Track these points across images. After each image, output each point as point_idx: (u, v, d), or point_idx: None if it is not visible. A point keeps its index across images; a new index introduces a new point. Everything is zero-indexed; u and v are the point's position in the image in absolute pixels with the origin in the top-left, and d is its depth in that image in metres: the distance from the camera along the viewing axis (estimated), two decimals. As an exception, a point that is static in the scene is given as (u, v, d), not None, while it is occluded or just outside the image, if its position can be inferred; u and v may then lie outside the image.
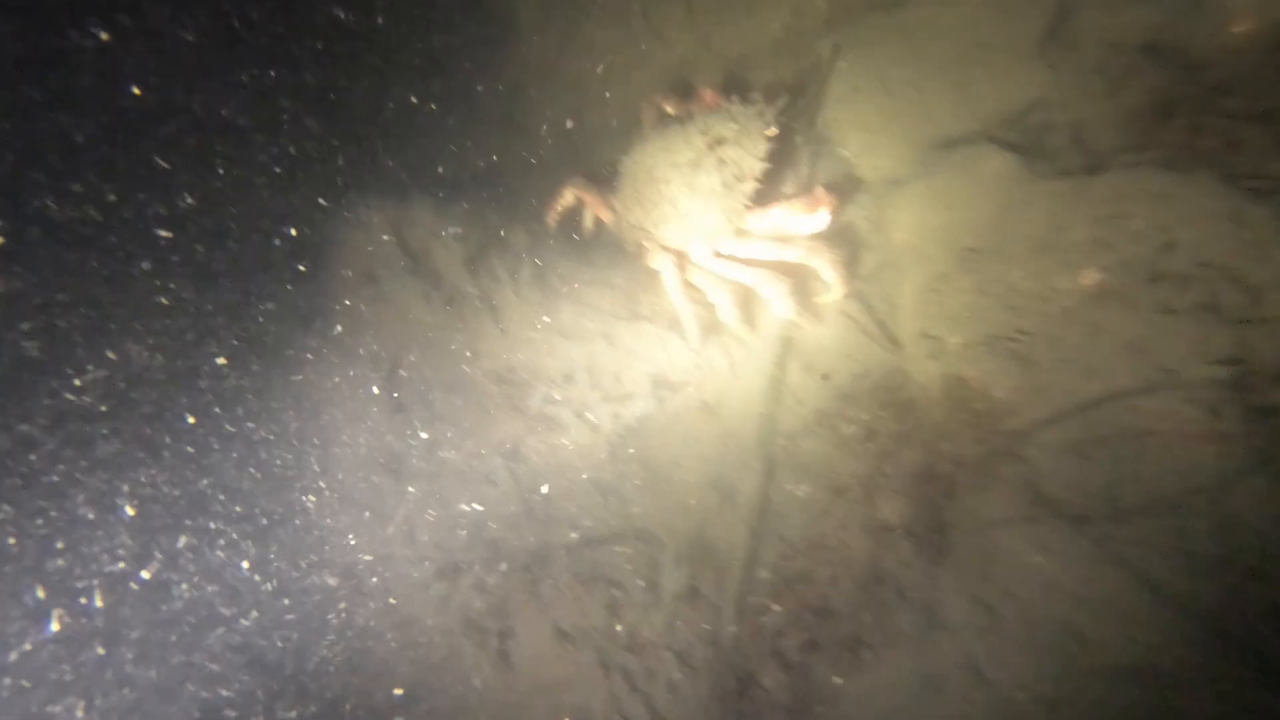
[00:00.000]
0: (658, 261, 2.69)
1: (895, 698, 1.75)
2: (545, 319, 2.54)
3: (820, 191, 2.69)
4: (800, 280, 2.72)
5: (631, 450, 2.39)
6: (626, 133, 3.69)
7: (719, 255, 2.75)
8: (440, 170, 3.13)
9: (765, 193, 2.82)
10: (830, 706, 1.80)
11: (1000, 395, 2.13)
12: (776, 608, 1.94)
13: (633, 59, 3.76)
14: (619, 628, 2.10)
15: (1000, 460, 1.99)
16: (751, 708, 1.89)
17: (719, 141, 2.70)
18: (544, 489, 2.35)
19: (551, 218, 3.15)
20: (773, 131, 2.80)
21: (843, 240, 2.99)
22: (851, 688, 1.81)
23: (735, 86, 3.50)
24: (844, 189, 3.19)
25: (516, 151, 3.49)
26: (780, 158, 2.95)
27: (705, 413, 2.53)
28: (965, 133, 3.27)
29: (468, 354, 2.43)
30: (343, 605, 2.29)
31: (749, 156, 2.72)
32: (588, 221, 3.23)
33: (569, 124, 3.69)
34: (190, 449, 2.51)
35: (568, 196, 3.07)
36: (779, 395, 2.56)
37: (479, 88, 3.52)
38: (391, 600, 2.29)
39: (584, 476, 2.35)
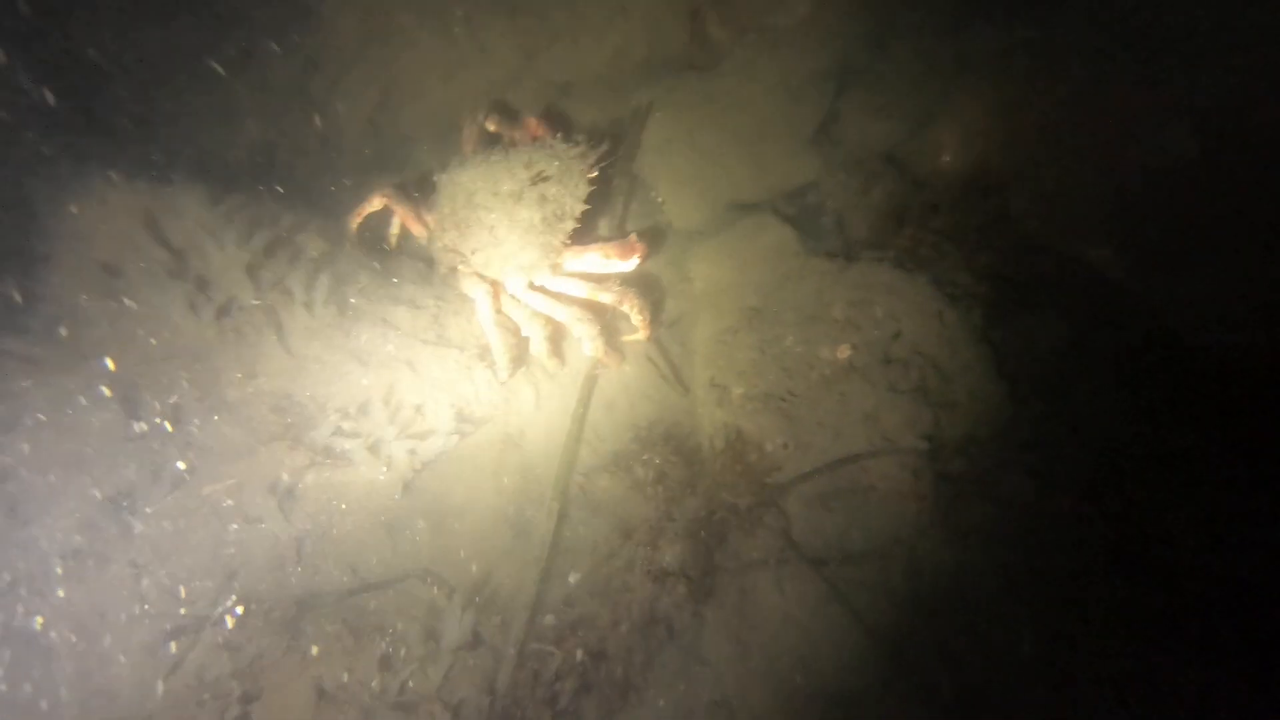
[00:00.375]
0: (471, 288, 2.62)
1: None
2: (340, 340, 2.32)
3: (633, 238, 2.83)
4: (608, 321, 2.85)
5: (426, 487, 2.30)
6: (442, 142, 3.52)
7: (533, 288, 2.76)
8: (216, 154, 2.66)
9: (582, 232, 2.90)
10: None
11: (769, 449, 2.46)
12: (556, 652, 2.02)
13: (452, 63, 3.60)
14: (390, 683, 2.01)
15: (764, 509, 2.30)
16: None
17: (542, 177, 2.71)
18: (322, 529, 2.15)
19: (353, 224, 2.89)
20: (594, 174, 2.89)
21: (649, 285, 3.20)
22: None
23: (559, 121, 3.53)
24: (654, 236, 3.41)
25: (312, 143, 3.11)
26: (598, 199, 3.05)
27: (507, 447, 2.53)
28: (755, 199, 3.70)
29: (240, 375, 2.12)
30: (37, 674, 1.85)
31: (570, 196, 2.78)
32: (394, 233, 3.03)
33: (372, 120, 3.39)
34: None
35: (374, 203, 2.84)
36: (580, 433, 2.66)
37: (269, 61, 3.07)
38: (111, 664, 1.91)
39: (369, 515, 2.20)
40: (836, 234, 3.42)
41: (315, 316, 2.31)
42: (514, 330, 2.69)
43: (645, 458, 2.49)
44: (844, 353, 2.58)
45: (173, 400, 2.05)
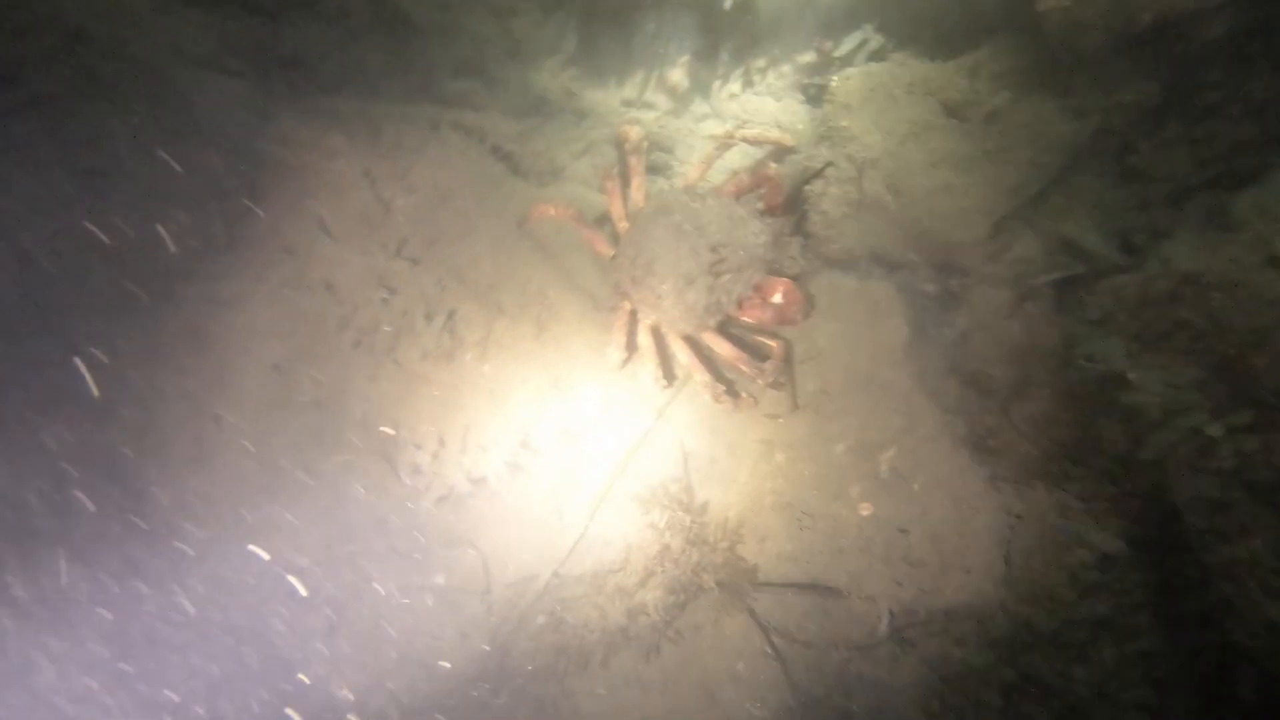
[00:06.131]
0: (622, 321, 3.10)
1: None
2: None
3: (792, 306, 3.03)
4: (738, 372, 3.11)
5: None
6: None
7: (684, 338, 3.14)
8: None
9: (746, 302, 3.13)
10: None
11: (767, 548, 2.94)
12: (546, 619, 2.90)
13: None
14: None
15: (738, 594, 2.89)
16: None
17: (718, 271, 2.95)
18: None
19: (528, 220, 3.28)
20: (772, 256, 3.09)
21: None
22: None
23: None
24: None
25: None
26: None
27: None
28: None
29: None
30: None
31: (747, 273, 3.01)
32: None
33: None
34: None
35: (549, 211, 3.22)
36: (635, 451, 3.22)
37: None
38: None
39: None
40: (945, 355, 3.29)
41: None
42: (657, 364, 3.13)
43: (666, 503, 3.04)
44: (866, 510, 2.87)
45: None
